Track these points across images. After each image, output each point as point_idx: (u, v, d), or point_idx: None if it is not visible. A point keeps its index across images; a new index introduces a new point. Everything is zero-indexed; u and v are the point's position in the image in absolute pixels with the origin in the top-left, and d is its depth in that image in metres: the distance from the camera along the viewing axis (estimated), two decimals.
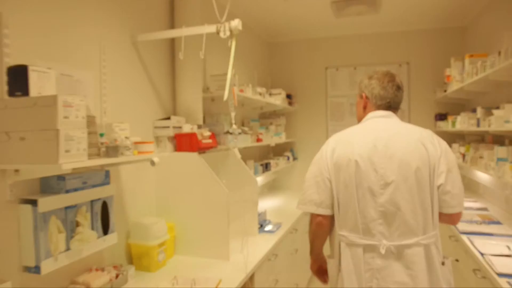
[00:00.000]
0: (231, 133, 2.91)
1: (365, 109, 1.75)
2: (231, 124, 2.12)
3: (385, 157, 1.56)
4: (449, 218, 1.60)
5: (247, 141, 3.26)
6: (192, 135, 2.33)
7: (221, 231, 2.30)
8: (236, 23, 2.02)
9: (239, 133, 3.01)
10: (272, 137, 3.93)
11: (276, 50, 5.13)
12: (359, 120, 1.79)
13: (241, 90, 3.11)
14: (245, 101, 3.68)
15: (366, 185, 1.56)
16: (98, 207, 1.79)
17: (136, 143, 1.88)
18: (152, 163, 1.85)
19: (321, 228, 1.69)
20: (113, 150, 1.62)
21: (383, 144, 1.58)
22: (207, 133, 2.38)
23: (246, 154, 3.80)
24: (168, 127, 2.41)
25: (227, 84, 1.98)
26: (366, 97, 1.74)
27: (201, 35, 2.11)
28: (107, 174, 1.83)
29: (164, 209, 2.45)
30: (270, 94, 4.29)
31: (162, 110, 2.57)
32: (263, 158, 4.49)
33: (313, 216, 1.70)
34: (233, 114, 2.06)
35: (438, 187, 1.54)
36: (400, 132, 1.62)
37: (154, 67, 2.50)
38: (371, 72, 1.76)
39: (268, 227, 3.05)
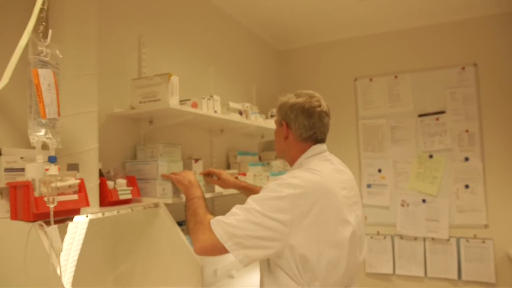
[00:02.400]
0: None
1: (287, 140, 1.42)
2: None
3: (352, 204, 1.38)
4: None
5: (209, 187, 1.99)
6: (25, 187, 1.11)
7: None
8: None
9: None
10: (268, 178, 2.61)
11: (287, 60, 3.88)
12: (284, 153, 1.45)
13: (194, 104, 1.88)
14: (224, 124, 2.46)
15: (358, 234, 1.33)
16: None
17: None
18: None
19: (204, 252, 1.24)
20: None
21: (349, 187, 1.37)
22: (66, 183, 1.15)
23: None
24: None
25: (11, 62, 0.77)
26: (288, 127, 1.40)
27: None
28: None
29: None
30: (272, 116, 3.02)
31: (20, 136, 1.41)
32: None
33: (217, 245, 1.18)
34: (39, 134, 0.82)
35: None
36: (345, 172, 1.43)
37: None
38: (291, 94, 1.43)
39: None
